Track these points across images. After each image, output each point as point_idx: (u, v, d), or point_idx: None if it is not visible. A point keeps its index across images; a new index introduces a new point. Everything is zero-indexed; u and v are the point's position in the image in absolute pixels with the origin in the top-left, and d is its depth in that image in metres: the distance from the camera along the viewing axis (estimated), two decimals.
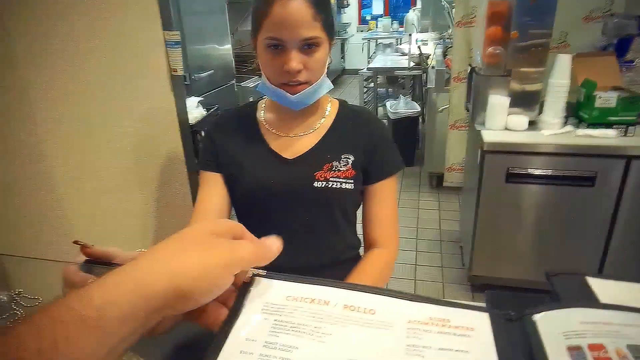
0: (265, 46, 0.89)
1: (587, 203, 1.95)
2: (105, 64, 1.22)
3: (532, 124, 2.01)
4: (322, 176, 0.97)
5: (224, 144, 1.03)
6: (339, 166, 0.99)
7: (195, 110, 2.11)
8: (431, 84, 3.47)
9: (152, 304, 0.33)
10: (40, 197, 1.04)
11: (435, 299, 0.41)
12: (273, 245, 0.43)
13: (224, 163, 1.02)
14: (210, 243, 0.38)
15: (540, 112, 2.01)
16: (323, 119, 1.04)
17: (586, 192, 1.92)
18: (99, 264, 0.64)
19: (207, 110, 2.25)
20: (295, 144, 1.01)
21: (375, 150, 1.02)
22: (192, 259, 0.36)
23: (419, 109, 3.98)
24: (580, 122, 1.95)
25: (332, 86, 1.01)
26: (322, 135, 1.02)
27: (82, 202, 1.17)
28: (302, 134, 1.02)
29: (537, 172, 1.94)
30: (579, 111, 1.97)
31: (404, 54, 4.83)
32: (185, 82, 2.59)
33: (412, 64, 4.24)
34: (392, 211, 1.07)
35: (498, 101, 2.00)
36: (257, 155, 1.01)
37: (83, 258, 0.61)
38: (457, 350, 0.36)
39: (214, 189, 1.02)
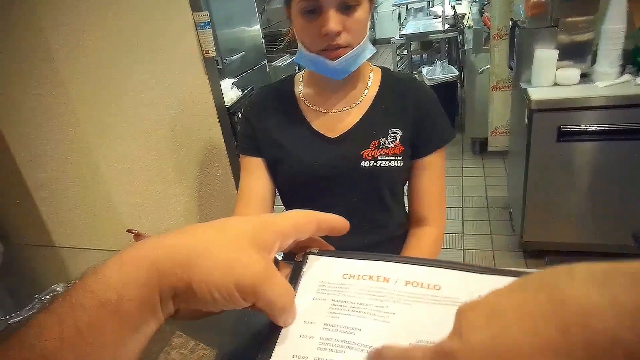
0: (299, 11, 0.83)
1: None
2: (138, 53, 1.22)
3: (584, 77, 1.87)
4: (370, 155, 0.91)
5: (262, 125, 0.98)
6: (387, 142, 0.92)
7: (230, 92, 2.10)
8: (468, 45, 3.31)
9: (165, 290, 0.30)
10: (89, 189, 1.07)
11: (507, 269, 0.37)
12: (292, 312, 0.35)
13: (264, 146, 0.97)
14: (243, 254, 0.32)
15: (593, 62, 1.86)
16: (366, 91, 0.95)
17: None
18: None
19: (242, 91, 2.24)
20: (338, 120, 0.94)
21: (424, 122, 0.94)
22: (212, 260, 0.31)
23: (457, 73, 3.81)
24: (639, 70, 1.79)
25: (374, 50, 0.92)
26: (366, 109, 0.94)
27: (129, 192, 1.20)
28: (344, 108, 0.95)
29: (592, 128, 1.81)
30: (637, 58, 1.81)
31: (437, 17, 4.62)
32: (218, 67, 2.59)
33: (446, 26, 4.05)
34: (441, 186, 1.00)
35: (545, 55, 1.87)
36: (298, 135, 0.95)
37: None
38: None
39: (256, 174, 0.99)
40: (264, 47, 3.65)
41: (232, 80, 2.30)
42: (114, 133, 1.14)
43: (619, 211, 1.95)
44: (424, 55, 5.45)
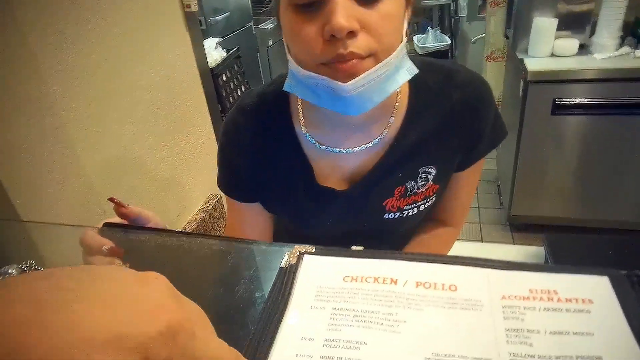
0: (292, 6, 0.51)
1: None
2: (112, 4, 1.11)
3: (583, 48, 1.83)
4: (394, 205, 0.68)
5: (247, 168, 0.70)
6: (416, 187, 0.68)
7: (214, 52, 1.98)
8: (462, 13, 3.21)
9: None
10: (56, 154, 0.98)
11: (533, 264, 0.32)
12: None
13: (254, 194, 0.73)
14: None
15: (592, 33, 1.80)
16: (392, 118, 0.65)
17: None
18: (120, 226, 0.58)
19: (227, 52, 2.12)
20: (353, 162, 0.67)
21: (471, 133, 0.68)
22: None
23: (449, 42, 3.72)
24: (639, 42, 1.74)
25: (415, 70, 0.58)
26: (390, 142, 0.66)
27: (102, 158, 1.11)
28: (360, 147, 0.65)
29: (588, 101, 1.76)
30: (638, 29, 1.75)
31: None
32: (202, 27, 2.45)
33: None
34: (474, 188, 0.81)
35: (544, 24, 1.80)
36: (297, 188, 0.69)
37: (101, 223, 0.56)
38: (576, 334, 0.27)
39: (248, 218, 0.77)
40: (251, 8, 3.48)
41: (217, 39, 2.17)
42: (84, 92, 1.04)
43: (610, 187, 1.94)
44: (416, 22, 5.31)
